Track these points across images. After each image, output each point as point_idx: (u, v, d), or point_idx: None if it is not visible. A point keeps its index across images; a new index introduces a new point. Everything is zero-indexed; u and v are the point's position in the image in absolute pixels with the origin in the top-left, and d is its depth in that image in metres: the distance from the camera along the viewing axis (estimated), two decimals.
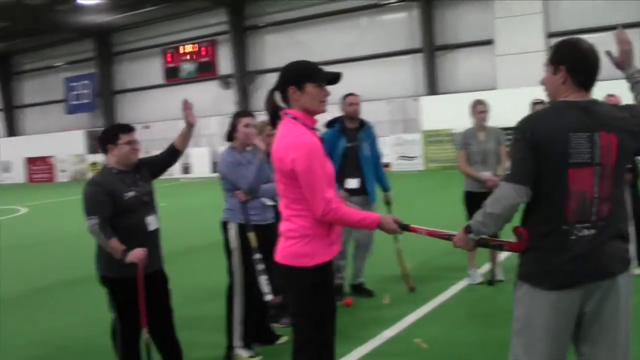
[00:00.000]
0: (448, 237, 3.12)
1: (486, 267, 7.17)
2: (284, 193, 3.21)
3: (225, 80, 30.36)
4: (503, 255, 7.16)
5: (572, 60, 2.79)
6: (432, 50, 25.01)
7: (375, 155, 6.63)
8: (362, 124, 6.58)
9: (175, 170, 29.14)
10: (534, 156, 2.69)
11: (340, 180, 6.01)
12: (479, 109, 6.95)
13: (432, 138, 23.80)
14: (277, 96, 3.29)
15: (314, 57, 22.24)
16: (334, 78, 3.26)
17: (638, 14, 22.38)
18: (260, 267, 5.00)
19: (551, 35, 23.27)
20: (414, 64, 25.51)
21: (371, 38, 26.24)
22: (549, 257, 2.76)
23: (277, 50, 28.75)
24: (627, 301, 2.84)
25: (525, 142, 2.71)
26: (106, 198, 4.24)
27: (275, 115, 3.30)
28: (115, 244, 4.15)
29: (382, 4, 26.12)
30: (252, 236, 5.02)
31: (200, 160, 29.03)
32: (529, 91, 19.93)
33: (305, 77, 3.20)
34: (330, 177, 3.23)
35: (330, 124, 6.50)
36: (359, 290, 6.72)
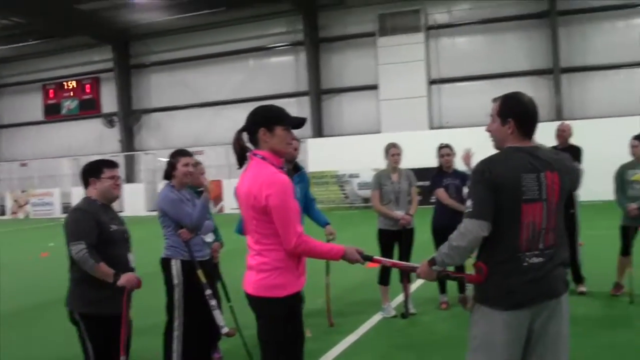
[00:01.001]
0: (411, 269, 3.47)
1: (398, 300, 7.49)
2: (256, 229, 3.40)
3: (109, 119, 29.55)
4: (413, 288, 7.53)
5: (519, 114, 3.20)
6: (318, 93, 25.40)
7: (310, 198, 6.73)
8: (297, 168, 6.62)
9: (55, 210, 27.85)
10: (493, 195, 3.05)
11: None
12: (393, 152, 7.31)
13: (318, 180, 23.97)
14: (245, 137, 3.50)
15: (201, 98, 22.49)
16: (300, 123, 3.53)
17: (513, 64, 23.60)
18: (213, 302, 5.16)
19: (432, 82, 24.24)
20: (300, 106, 25.77)
21: (259, 80, 26.43)
22: (505, 281, 3.09)
23: (164, 89, 28.45)
24: (567, 318, 3.23)
25: (485, 183, 3.07)
26: (93, 224, 4.20)
27: (242, 155, 3.51)
28: (105, 268, 4.11)
29: (270, 47, 26.50)
30: (201, 273, 5.14)
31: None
32: (413, 135, 20.51)
33: (275, 120, 3.45)
34: (298, 212, 3.44)
35: None
36: None
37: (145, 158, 27.78)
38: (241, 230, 7.01)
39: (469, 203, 3.12)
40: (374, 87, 24.71)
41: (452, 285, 7.50)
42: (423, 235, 7.59)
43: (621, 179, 7.78)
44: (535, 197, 3.10)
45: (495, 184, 3.05)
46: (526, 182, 3.08)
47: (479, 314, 3.19)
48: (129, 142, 29.04)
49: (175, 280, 5.19)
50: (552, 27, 23.00)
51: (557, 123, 8.26)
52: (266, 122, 3.43)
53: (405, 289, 7.18)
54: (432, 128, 23.94)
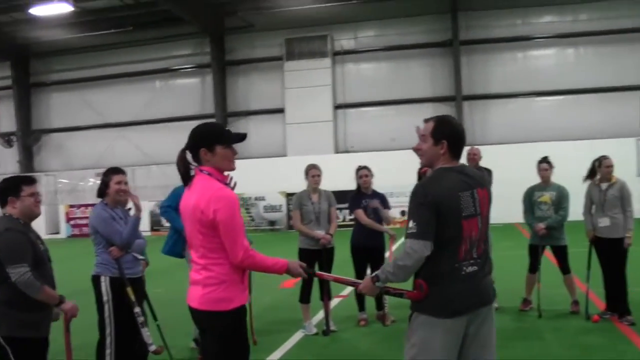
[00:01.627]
0: (353, 284, 3.67)
1: (317, 317, 7.75)
2: (202, 243, 3.44)
3: (6, 138, 28.27)
4: (331, 306, 7.75)
5: (452, 136, 3.43)
6: (224, 116, 25.11)
7: None
8: None
9: None
10: (435, 215, 3.23)
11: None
12: (313, 173, 7.59)
13: None
14: (188, 156, 3.57)
15: (104, 119, 21.65)
16: (241, 138, 3.62)
17: (417, 90, 23.99)
18: (141, 319, 5.23)
19: (338, 106, 24.36)
20: None
21: (165, 102, 25.90)
22: (446, 291, 3.28)
23: (66, 109, 27.52)
24: (494, 324, 3.49)
25: (426, 205, 3.24)
26: (29, 245, 4.04)
27: (186, 174, 3.59)
28: (49, 291, 4.08)
29: (176, 69, 26.04)
30: (130, 291, 5.19)
31: None
32: (319, 158, 20.49)
33: (214, 139, 3.54)
34: (244, 227, 3.53)
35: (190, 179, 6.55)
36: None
37: (45, 179, 26.67)
38: (171, 251, 6.78)
39: (411, 224, 3.26)
40: (280, 111, 24.63)
41: (370, 302, 7.78)
42: (343, 254, 7.79)
43: (529, 200, 8.19)
44: (472, 213, 3.35)
45: (436, 204, 3.24)
46: (463, 200, 3.32)
47: (418, 322, 3.32)
48: (28, 163, 27.88)
49: (105, 297, 5.21)
50: (454, 55, 23.53)
51: (467, 147, 8.41)
52: (205, 142, 3.52)
53: (326, 306, 7.38)
54: (337, 152, 24.01)
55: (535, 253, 8.09)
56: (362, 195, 7.95)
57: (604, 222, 7.52)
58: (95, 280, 5.29)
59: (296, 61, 24.49)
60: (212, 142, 3.53)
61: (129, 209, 5.51)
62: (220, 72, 25.07)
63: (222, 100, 25.14)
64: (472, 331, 3.35)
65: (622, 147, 21.21)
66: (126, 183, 5.44)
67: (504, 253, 11.23)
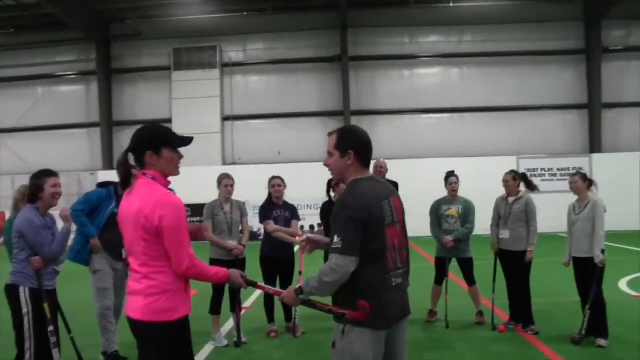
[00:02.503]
0: (276, 293, 3.59)
1: (226, 329, 7.68)
2: (144, 251, 3.23)
3: None
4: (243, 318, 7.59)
5: (358, 145, 3.36)
6: (110, 125, 24.46)
7: None
8: None
9: None
10: (362, 228, 3.16)
11: (109, 243, 6.20)
12: (226, 183, 7.39)
13: None
14: (131, 158, 3.35)
15: None
16: (187, 142, 3.40)
17: (305, 104, 24.17)
18: (53, 340, 5.01)
19: (226, 118, 24.11)
20: (91, 138, 24.76)
21: (47, 109, 24.98)
22: (380, 302, 3.23)
23: None
24: (407, 335, 3.54)
25: (355, 218, 3.15)
26: None
27: (127, 177, 3.36)
28: None
29: (60, 75, 25.18)
30: (47, 307, 4.95)
31: None
32: (206, 170, 20.24)
33: (162, 142, 3.34)
34: (189, 235, 3.35)
35: (102, 185, 6.41)
36: (115, 358, 6.27)
37: None
38: (76, 258, 6.29)
39: (336, 239, 3.16)
40: (167, 121, 24.09)
41: (279, 314, 7.84)
42: (251, 265, 7.55)
43: (436, 213, 8.28)
44: (391, 221, 3.32)
45: (366, 216, 3.18)
46: (384, 209, 3.29)
47: (355, 335, 3.23)
48: None
49: (25, 309, 4.91)
50: (343, 71, 23.70)
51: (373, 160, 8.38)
52: (152, 145, 3.32)
53: (237, 317, 7.23)
54: (225, 164, 23.68)
55: (442, 265, 8.16)
56: (274, 206, 7.81)
57: (504, 234, 7.68)
58: (12, 290, 4.96)
59: (184, 71, 24.18)
60: (159, 144, 3.34)
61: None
62: (106, 80, 24.47)
63: (107, 109, 24.51)
64: (391, 342, 3.37)
65: (504, 165, 21.56)
66: (60, 186, 5.17)
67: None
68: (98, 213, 6.20)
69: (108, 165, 24.21)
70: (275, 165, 20.81)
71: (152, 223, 3.19)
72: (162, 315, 3.26)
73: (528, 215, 7.59)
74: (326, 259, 3.33)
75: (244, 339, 7.28)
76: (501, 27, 23.89)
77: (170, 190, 3.38)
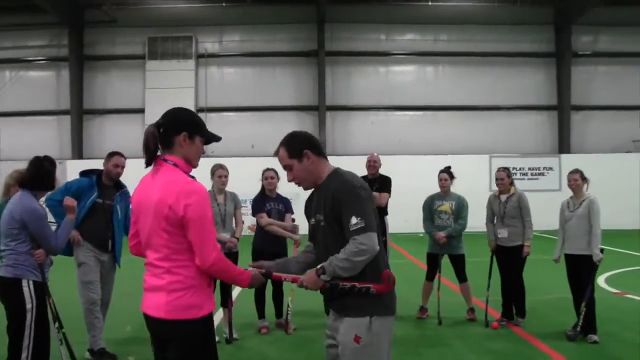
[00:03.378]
0: (293, 280, 3.35)
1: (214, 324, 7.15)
2: (166, 243, 3.00)
3: None
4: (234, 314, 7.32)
5: (307, 142, 3.34)
6: (80, 113, 23.97)
7: (130, 218, 6.03)
8: (119, 186, 6.24)
9: None
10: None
11: (93, 234, 6.07)
12: (220, 173, 7.16)
13: None
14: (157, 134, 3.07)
15: None
16: (216, 139, 3.26)
17: (281, 98, 24.21)
18: (60, 336, 4.91)
19: (200, 109, 23.88)
20: (61, 125, 24.20)
21: (15, 94, 24.25)
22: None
23: None
24: None
25: (367, 197, 3.18)
26: None
27: (154, 155, 3.08)
28: None
29: (29, 59, 24.50)
30: (52, 302, 4.82)
31: None
32: None
33: (199, 128, 3.18)
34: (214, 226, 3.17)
35: (85, 173, 6.14)
36: (102, 355, 6.04)
37: None
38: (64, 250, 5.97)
39: (355, 220, 3.10)
40: (140, 111, 23.78)
41: (269, 309, 7.69)
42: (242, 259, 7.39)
43: (429, 209, 8.21)
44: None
45: (370, 194, 3.29)
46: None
47: (381, 325, 3.20)
48: None
49: (29, 305, 4.61)
50: (319, 66, 23.69)
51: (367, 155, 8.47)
52: (190, 128, 3.13)
53: (229, 312, 7.02)
54: None
55: (433, 261, 8.11)
56: (267, 199, 7.60)
57: (502, 233, 7.69)
58: (15, 284, 4.62)
59: (159, 61, 23.86)
60: (196, 131, 3.16)
61: None
62: (78, 66, 23.95)
63: (78, 97, 23.97)
64: None
65: (477, 162, 22.16)
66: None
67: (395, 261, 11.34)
68: (78, 203, 5.82)
69: (77, 154, 23.75)
70: (248, 158, 20.75)
71: (176, 213, 2.96)
72: (188, 313, 3.03)
73: (522, 210, 7.64)
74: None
75: (235, 335, 7.10)
76: (477, 27, 24.23)
77: (192, 177, 3.15)
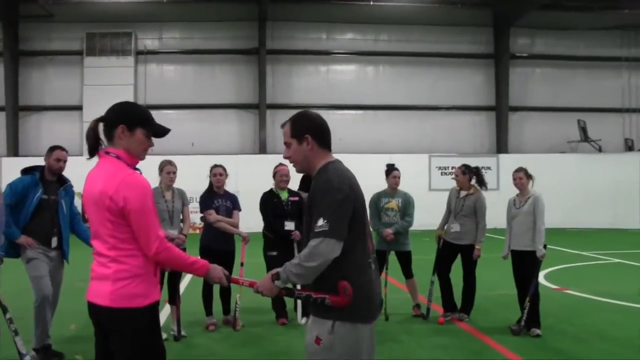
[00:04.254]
0: (250, 284, 3.21)
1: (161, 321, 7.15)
2: (111, 233, 3.06)
3: None
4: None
5: (313, 128, 3.21)
6: (15, 110, 23.42)
7: (74, 212, 6.36)
8: (62, 180, 6.14)
9: None
10: (351, 210, 2.99)
11: (39, 232, 5.98)
12: (168, 170, 7.17)
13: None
14: (100, 127, 3.16)
15: None
16: (164, 132, 3.27)
17: (221, 96, 24.05)
18: (14, 327, 4.85)
19: None
20: None
21: None
22: (367, 291, 3.06)
23: None
24: None
25: (349, 200, 2.99)
26: None
27: (95, 147, 3.19)
28: None
29: None
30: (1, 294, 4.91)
31: None
32: None
33: (139, 121, 3.19)
34: (157, 216, 3.18)
35: (27, 171, 6.12)
36: (48, 353, 5.91)
37: None
38: (8, 253, 5.86)
39: (321, 222, 2.93)
40: (78, 108, 23.35)
41: (217, 306, 7.70)
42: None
43: (375, 206, 8.19)
44: (365, 205, 3.22)
45: (354, 197, 3.05)
46: (361, 192, 3.17)
47: (343, 332, 3.01)
48: None
49: None
50: (260, 64, 23.62)
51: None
52: (128, 120, 3.17)
53: (177, 310, 7.00)
54: None
55: (381, 258, 8.02)
56: (214, 195, 7.59)
57: (455, 227, 7.81)
58: None
59: (97, 57, 23.43)
60: (135, 122, 3.18)
61: None
62: (13, 62, 23.33)
63: (13, 93, 23.35)
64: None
65: (417, 162, 22.41)
66: None
67: None
68: (25, 202, 5.90)
69: (13, 152, 23.19)
70: (188, 156, 20.55)
71: (116, 204, 3.02)
72: (133, 301, 3.07)
73: (477, 212, 7.77)
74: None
75: (183, 333, 7.07)
76: (417, 28, 24.51)
77: (136, 169, 3.22)
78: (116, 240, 3.08)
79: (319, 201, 3.05)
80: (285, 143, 3.29)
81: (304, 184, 8.04)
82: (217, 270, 3.33)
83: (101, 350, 3.26)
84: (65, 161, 6.15)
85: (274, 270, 3.08)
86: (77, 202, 6.51)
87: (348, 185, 3.07)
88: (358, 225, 3.09)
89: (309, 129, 3.22)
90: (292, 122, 3.27)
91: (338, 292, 2.97)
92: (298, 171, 3.40)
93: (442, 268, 7.97)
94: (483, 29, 24.99)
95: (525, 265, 7.26)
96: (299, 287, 3.47)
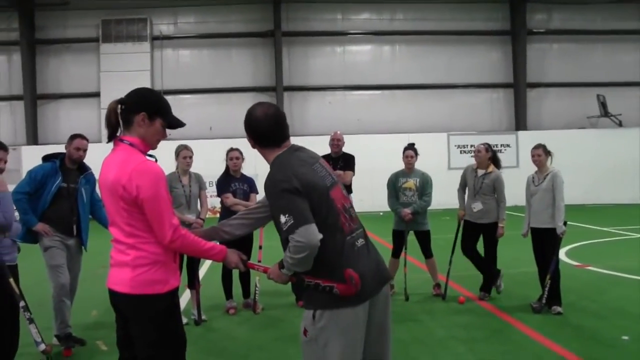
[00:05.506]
0: (264, 270, 3.26)
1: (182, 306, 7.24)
2: (127, 221, 3.06)
3: None
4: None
5: (252, 130, 3.19)
6: (33, 98, 23.58)
7: (96, 199, 6.34)
8: (83, 168, 6.14)
9: None
10: (304, 197, 2.92)
11: (58, 219, 5.97)
12: (184, 154, 7.17)
13: None
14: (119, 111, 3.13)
15: None
16: (180, 125, 3.24)
17: (238, 79, 24.03)
18: (28, 315, 4.80)
19: None
20: (14, 111, 23.82)
21: None
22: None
23: None
24: (390, 303, 3.23)
25: (290, 190, 2.92)
26: None
27: (115, 130, 3.16)
28: None
29: None
30: (13, 282, 4.72)
31: None
32: None
33: (160, 111, 3.18)
34: (171, 204, 3.17)
35: (48, 158, 6.09)
36: (69, 339, 5.93)
37: None
38: (25, 238, 5.87)
39: (284, 218, 2.91)
40: (96, 95, 23.49)
41: (237, 290, 7.70)
42: None
43: (393, 186, 8.19)
44: (332, 182, 3.14)
45: (301, 184, 2.95)
46: (319, 172, 3.10)
47: (328, 318, 2.94)
48: None
49: None
50: (276, 46, 23.58)
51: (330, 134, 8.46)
52: (150, 108, 3.15)
53: (197, 295, 7.01)
54: None
55: (400, 238, 8.11)
56: (231, 179, 7.57)
57: (476, 206, 7.76)
58: None
59: (113, 44, 23.53)
60: (157, 112, 3.17)
61: None
62: (30, 50, 23.51)
63: (31, 82, 23.56)
64: (373, 315, 3.07)
65: (435, 141, 22.31)
66: (6, 162, 4.87)
67: None
68: (44, 190, 5.89)
69: (32, 140, 23.42)
70: (207, 140, 20.66)
71: (129, 193, 3.01)
72: (153, 288, 3.08)
73: (497, 191, 7.76)
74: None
75: (203, 317, 7.08)
76: (432, 6, 24.31)
77: (151, 157, 3.19)
78: (132, 228, 3.09)
79: (271, 200, 3.07)
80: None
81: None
82: (235, 255, 3.32)
83: (122, 336, 3.28)
84: (85, 150, 6.13)
85: (280, 259, 3.08)
86: (98, 189, 6.56)
87: (291, 172, 3.01)
88: (324, 208, 3.02)
89: (252, 136, 3.22)
90: (244, 126, 3.27)
91: (344, 281, 2.95)
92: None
93: (468, 249, 7.93)
94: (499, 5, 24.71)
95: (545, 242, 7.22)
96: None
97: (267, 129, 3.17)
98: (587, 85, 24.52)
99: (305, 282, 3.06)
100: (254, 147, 3.26)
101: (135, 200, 3.02)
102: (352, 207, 3.24)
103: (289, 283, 3.18)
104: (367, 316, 3.04)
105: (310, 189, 2.99)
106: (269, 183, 3.05)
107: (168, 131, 3.30)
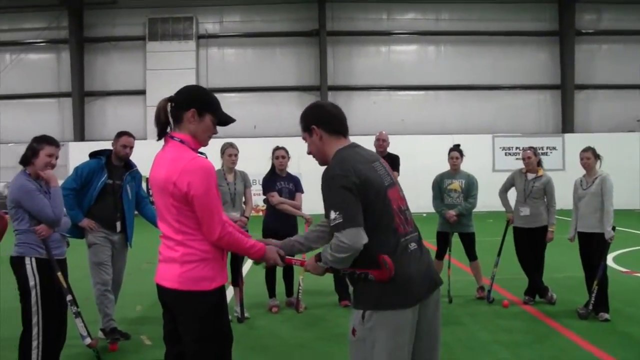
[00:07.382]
0: (301, 264, 3.30)
1: None
2: (177, 218, 3.07)
3: None
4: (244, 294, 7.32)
5: (318, 117, 3.13)
6: (81, 95, 24.01)
7: (142, 197, 6.41)
8: (129, 166, 6.21)
9: None
10: (360, 195, 2.88)
11: (102, 215, 6.03)
12: (230, 152, 7.13)
13: None
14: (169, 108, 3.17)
15: None
16: (230, 121, 3.28)
17: (282, 78, 24.09)
18: (75, 309, 4.89)
19: None
20: (62, 108, 24.28)
21: (15, 77, 24.23)
22: (403, 274, 2.89)
23: None
24: (440, 308, 3.20)
25: (347, 187, 2.87)
26: None
27: (165, 128, 3.20)
28: None
29: (29, 42, 24.51)
30: (61, 276, 4.78)
31: None
32: None
33: (210, 107, 3.19)
34: (221, 201, 3.19)
35: (94, 154, 6.17)
36: (114, 333, 6.03)
37: None
38: (70, 232, 5.81)
39: (333, 214, 2.88)
40: (141, 92, 23.80)
41: (280, 288, 7.70)
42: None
43: (439, 187, 8.11)
44: (391, 182, 3.08)
45: (360, 181, 2.90)
46: (379, 171, 3.05)
47: (378, 319, 2.89)
48: None
49: (32, 282, 4.66)
50: (320, 45, 23.58)
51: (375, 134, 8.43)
52: (200, 104, 3.16)
53: (240, 292, 7.03)
54: None
55: (444, 240, 8.03)
56: (277, 178, 7.57)
57: (524, 211, 7.64)
58: (18, 262, 4.69)
59: (159, 42, 23.82)
60: (206, 109, 3.18)
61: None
62: (78, 48, 23.94)
63: (79, 79, 24.00)
64: (423, 319, 3.02)
65: (480, 143, 22.04)
66: (57, 158, 4.85)
67: None
68: (90, 186, 5.95)
69: (79, 136, 23.85)
70: (250, 139, 20.73)
71: (180, 190, 3.02)
72: (200, 284, 3.09)
73: (547, 195, 7.62)
74: None
75: (246, 314, 7.08)
76: (478, 6, 24.03)
77: (201, 154, 3.20)
78: (181, 225, 3.09)
79: (324, 192, 3.00)
80: (303, 139, 3.25)
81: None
82: (272, 251, 3.32)
83: (170, 331, 3.29)
84: (131, 147, 6.16)
85: (318, 252, 3.11)
86: (144, 186, 6.61)
87: (352, 170, 2.94)
88: (379, 207, 2.97)
89: (314, 119, 3.16)
90: (301, 117, 3.23)
91: (379, 267, 2.89)
92: (320, 164, 3.26)
93: (523, 257, 7.79)
94: (547, 5, 24.29)
95: (592, 247, 7.01)
96: None
97: (338, 116, 3.19)
98: (636, 87, 23.98)
99: (341, 272, 3.05)
100: (309, 141, 3.19)
101: (185, 196, 3.02)
102: (408, 209, 3.18)
103: (332, 283, 3.15)
104: (416, 320, 2.98)
105: (367, 186, 2.94)
106: (327, 175, 3.00)
107: (218, 129, 3.28)
